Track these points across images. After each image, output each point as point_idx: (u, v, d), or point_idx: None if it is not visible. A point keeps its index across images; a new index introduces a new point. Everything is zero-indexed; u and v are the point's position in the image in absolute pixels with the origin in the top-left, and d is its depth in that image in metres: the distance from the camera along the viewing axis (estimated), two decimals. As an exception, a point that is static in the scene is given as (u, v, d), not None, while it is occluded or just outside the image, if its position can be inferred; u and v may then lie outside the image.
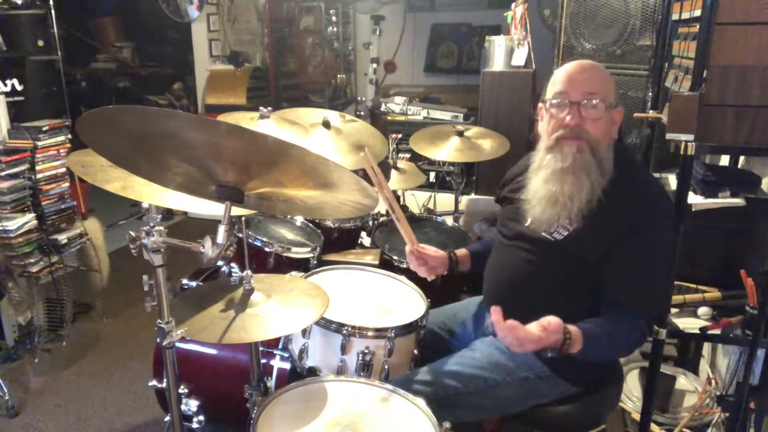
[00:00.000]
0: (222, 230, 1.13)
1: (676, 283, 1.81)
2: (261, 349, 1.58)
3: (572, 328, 1.33)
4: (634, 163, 1.56)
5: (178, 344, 1.34)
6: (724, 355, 2.30)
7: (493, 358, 1.52)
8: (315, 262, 2.10)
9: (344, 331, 1.50)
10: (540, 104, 1.51)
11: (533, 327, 1.29)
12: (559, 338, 1.30)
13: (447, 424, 1.26)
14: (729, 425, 1.82)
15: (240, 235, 1.88)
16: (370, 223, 2.51)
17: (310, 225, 2.32)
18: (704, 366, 2.48)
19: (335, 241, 2.35)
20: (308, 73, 5.92)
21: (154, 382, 1.43)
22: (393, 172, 2.68)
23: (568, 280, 1.47)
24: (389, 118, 3.84)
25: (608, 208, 1.41)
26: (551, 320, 1.31)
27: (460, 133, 2.55)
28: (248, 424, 1.26)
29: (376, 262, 2.08)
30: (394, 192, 2.93)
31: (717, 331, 1.72)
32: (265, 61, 5.65)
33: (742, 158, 2.14)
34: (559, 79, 1.45)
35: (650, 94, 2.45)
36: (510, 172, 1.73)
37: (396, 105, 3.89)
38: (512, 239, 1.58)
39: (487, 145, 2.54)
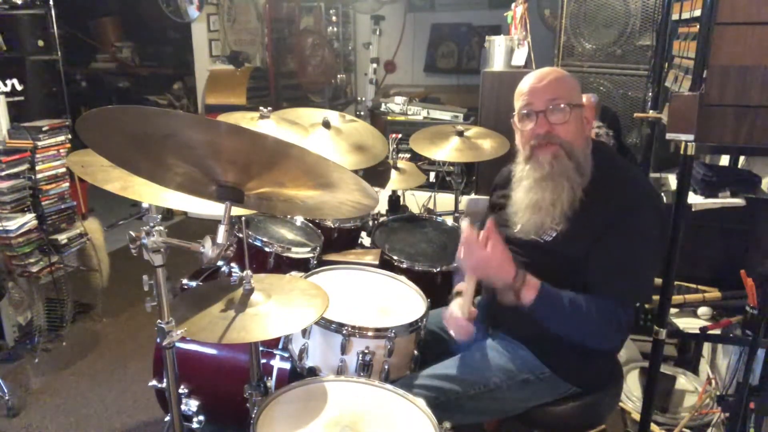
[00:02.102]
0: (222, 230, 1.13)
1: (676, 283, 1.81)
2: (261, 349, 1.58)
3: (529, 276, 1.39)
4: (613, 157, 1.59)
5: (178, 344, 1.34)
6: (724, 355, 2.30)
7: (493, 362, 1.53)
8: (315, 262, 2.10)
9: (344, 331, 1.50)
10: (512, 119, 1.55)
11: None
12: (510, 269, 1.38)
13: (447, 425, 1.26)
14: (729, 425, 1.81)
15: (240, 235, 1.88)
16: (370, 223, 2.51)
17: (310, 225, 2.31)
18: (704, 366, 2.48)
19: (335, 241, 2.35)
20: (308, 73, 5.91)
21: (154, 382, 1.43)
22: (393, 172, 2.67)
23: (562, 280, 1.47)
24: (389, 118, 3.84)
25: (591, 204, 1.44)
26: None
27: (460, 133, 2.55)
28: (248, 425, 1.26)
29: (376, 262, 2.08)
30: (395, 192, 2.93)
31: (717, 331, 1.72)
32: (265, 61, 5.65)
33: (742, 158, 2.14)
34: (521, 92, 1.50)
35: (650, 94, 2.45)
36: (498, 176, 1.76)
37: (396, 105, 3.89)
38: (505, 243, 1.60)
39: (487, 145, 2.54)
